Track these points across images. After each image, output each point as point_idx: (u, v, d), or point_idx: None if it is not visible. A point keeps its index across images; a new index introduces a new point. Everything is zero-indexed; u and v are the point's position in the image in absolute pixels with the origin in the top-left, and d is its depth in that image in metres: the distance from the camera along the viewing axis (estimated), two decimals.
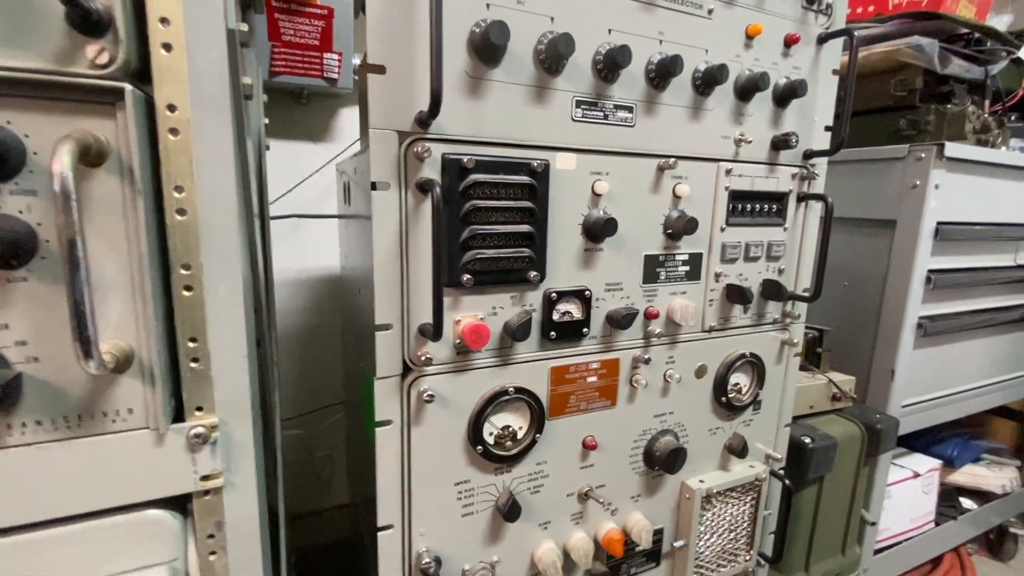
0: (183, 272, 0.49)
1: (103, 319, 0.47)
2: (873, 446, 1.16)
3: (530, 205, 0.64)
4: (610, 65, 0.64)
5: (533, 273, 0.65)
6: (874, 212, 1.26)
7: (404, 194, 0.58)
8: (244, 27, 0.55)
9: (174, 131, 0.47)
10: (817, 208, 0.88)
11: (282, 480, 0.93)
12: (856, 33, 0.77)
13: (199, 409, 0.52)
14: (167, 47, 0.46)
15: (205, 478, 0.53)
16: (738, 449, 0.87)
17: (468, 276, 0.61)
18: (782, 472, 0.95)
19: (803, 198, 0.86)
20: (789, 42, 0.78)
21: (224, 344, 0.52)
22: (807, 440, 1.04)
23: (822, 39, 0.82)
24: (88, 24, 0.42)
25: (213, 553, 0.55)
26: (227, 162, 0.49)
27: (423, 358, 0.62)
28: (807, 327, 1.23)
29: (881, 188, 1.24)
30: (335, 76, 1.38)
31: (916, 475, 1.43)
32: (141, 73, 0.47)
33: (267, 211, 1.13)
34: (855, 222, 1.31)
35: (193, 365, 0.51)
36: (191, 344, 0.51)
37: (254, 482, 0.56)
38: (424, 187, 0.58)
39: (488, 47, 0.57)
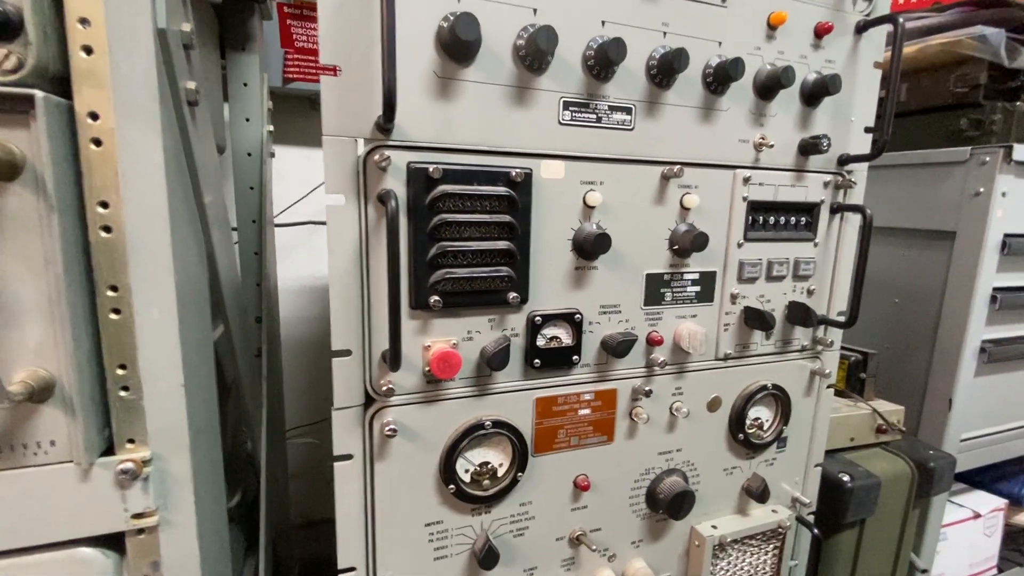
0: (109, 294, 0.45)
1: (20, 345, 0.43)
2: (925, 486, 1.02)
3: (509, 219, 0.57)
4: (602, 61, 0.57)
5: (513, 295, 0.58)
6: (929, 222, 1.13)
7: (363, 207, 0.53)
8: (187, 27, 0.51)
9: (97, 141, 0.43)
10: (855, 220, 0.77)
11: (265, 496, 0.90)
12: (902, 20, 0.67)
13: (131, 441, 0.48)
14: (87, 50, 0.42)
15: (137, 516, 0.48)
16: (757, 492, 0.77)
17: (436, 298, 0.55)
18: (811, 518, 0.84)
19: (837, 209, 0.76)
20: (820, 32, 0.69)
21: (158, 371, 0.48)
22: (845, 478, 0.92)
23: (861, 28, 0.71)
24: None
25: None
26: (158, 174, 0.45)
27: (384, 388, 0.56)
28: (849, 349, 1.11)
29: (938, 195, 1.12)
30: None
31: (977, 515, 1.27)
32: (67, 79, 0.43)
33: (269, 219, 1.11)
34: (907, 232, 1.18)
35: (123, 394, 0.47)
36: (120, 371, 0.46)
37: (194, 519, 0.51)
38: (384, 199, 0.52)
39: (457, 43, 0.51)
